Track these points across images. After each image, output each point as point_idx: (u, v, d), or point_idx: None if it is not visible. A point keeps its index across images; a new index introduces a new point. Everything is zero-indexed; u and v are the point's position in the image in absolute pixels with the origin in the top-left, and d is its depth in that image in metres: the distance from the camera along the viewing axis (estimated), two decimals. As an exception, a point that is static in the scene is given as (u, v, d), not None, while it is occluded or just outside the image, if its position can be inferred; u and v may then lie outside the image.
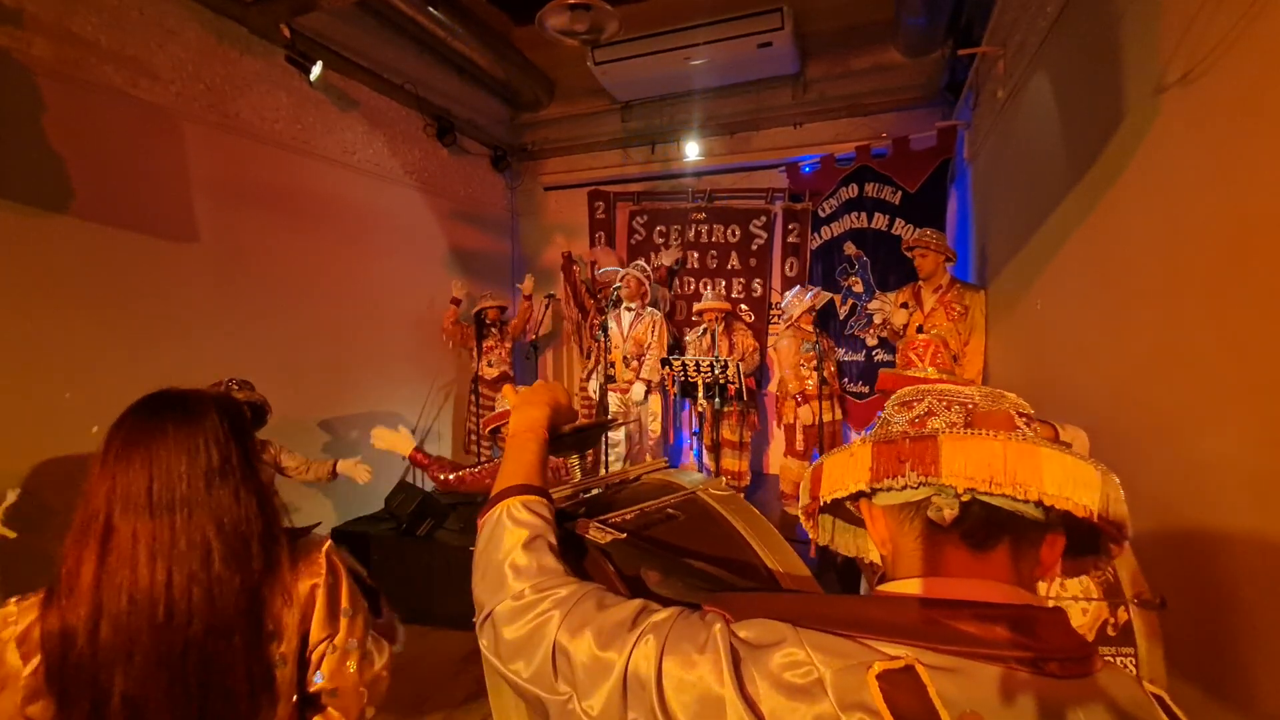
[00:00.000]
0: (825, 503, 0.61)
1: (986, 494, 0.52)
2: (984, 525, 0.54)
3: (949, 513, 0.53)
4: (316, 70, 3.54)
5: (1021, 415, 0.58)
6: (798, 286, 4.38)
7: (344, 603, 0.98)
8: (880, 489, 0.57)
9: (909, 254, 3.52)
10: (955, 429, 0.55)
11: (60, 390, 2.56)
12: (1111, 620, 1.15)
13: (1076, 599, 1.16)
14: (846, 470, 0.59)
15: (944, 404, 0.59)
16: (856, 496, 0.60)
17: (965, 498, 0.53)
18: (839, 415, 3.90)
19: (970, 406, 0.58)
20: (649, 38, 4.15)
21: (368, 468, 2.84)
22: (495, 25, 4.30)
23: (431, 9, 3.76)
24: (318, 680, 0.96)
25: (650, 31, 4.12)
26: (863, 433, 5.08)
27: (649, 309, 4.45)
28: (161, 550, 0.84)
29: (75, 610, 0.82)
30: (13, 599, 0.87)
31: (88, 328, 2.68)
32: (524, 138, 5.67)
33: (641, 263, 4.69)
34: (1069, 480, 0.51)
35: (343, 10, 3.68)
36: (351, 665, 0.98)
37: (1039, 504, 0.51)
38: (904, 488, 0.55)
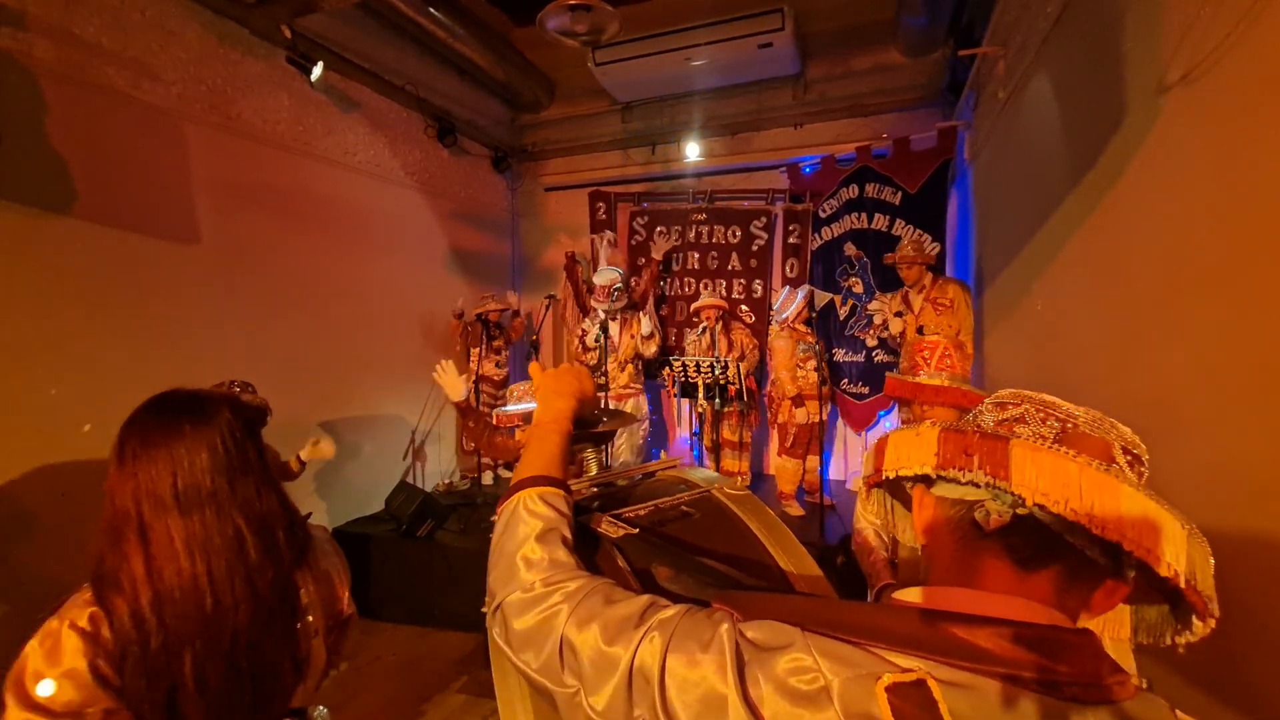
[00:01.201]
0: (887, 477, 0.59)
1: (1051, 515, 0.49)
2: (1033, 543, 0.51)
3: (996, 519, 0.51)
4: (317, 71, 3.54)
5: (1128, 454, 0.53)
6: (787, 288, 4.39)
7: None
8: (944, 478, 0.54)
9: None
10: (1042, 442, 0.52)
11: (62, 392, 2.56)
12: None
13: None
14: (912, 449, 0.57)
15: (1041, 415, 0.56)
16: (917, 480, 0.59)
17: (1023, 510, 0.50)
18: (824, 415, 3.94)
19: (1069, 426, 0.55)
20: (649, 38, 4.15)
21: (328, 440, 2.82)
22: (495, 26, 4.31)
23: (432, 10, 3.76)
24: (343, 646, 1.14)
25: (651, 32, 4.12)
26: (863, 433, 5.02)
27: (623, 310, 4.48)
28: (197, 545, 0.86)
29: (137, 599, 0.83)
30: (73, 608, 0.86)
31: (89, 329, 2.68)
32: (525, 139, 5.67)
33: (611, 270, 4.58)
34: (1150, 529, 0.46)
35: (343, 11, 3.68)
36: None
37: (1112, 545, 0.47)
38: (967, 483, 0.53)
